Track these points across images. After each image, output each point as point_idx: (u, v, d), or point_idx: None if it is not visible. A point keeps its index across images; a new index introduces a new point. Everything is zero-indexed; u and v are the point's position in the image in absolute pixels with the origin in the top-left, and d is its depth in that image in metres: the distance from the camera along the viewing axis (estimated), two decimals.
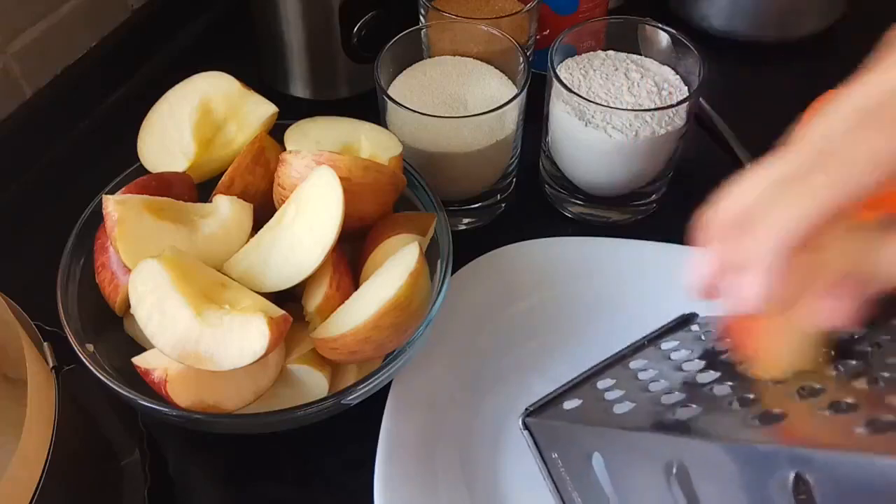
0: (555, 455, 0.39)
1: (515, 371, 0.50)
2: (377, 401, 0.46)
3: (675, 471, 0.32)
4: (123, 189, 0.48)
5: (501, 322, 0.52)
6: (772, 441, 0.29)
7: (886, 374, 0.30)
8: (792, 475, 0.27)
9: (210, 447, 0.49)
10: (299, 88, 0.68)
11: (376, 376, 0.44)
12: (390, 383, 0.47)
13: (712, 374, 0.35)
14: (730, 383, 0.34)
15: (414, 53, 0.59)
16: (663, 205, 0.60)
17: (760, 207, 0.28)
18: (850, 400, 0.29)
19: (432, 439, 0.47)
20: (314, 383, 0.45)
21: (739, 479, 0.30)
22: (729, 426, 0.32)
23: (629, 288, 0.53)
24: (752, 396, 0.32)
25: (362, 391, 0.44)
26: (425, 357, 0.48)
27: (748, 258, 0.28)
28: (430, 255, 0.49)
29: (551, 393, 0.41)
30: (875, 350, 0.31)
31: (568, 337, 0.51)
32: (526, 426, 0.40)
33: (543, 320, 0.53)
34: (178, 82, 0.53)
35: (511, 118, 0.54)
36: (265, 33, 0.66)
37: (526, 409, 0.40)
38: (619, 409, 0.37)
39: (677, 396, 0.35)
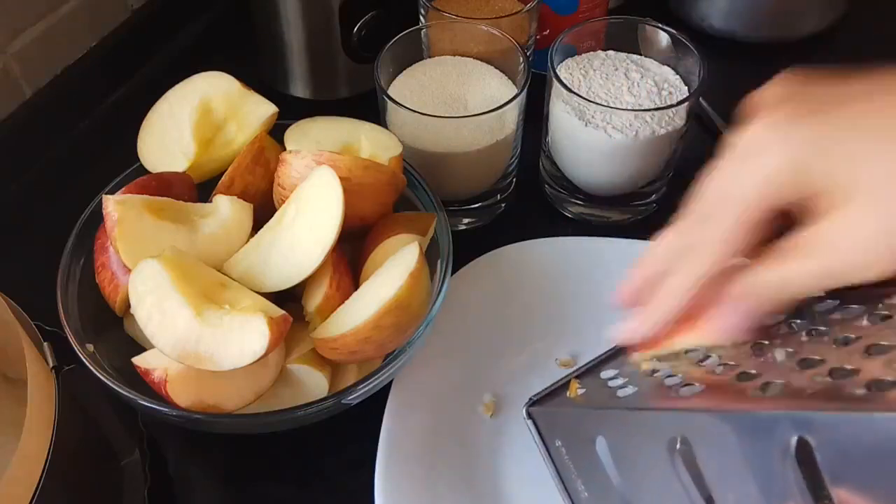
0: (558, 443, 0.40)
1: (515, 371, 0.50)
2: (377, 401, 0.46)
3: (678, 447, 0.33)
4: (123, 189, 0.48)
5: (501, 322, 0.52)
6: (773, 407, 0.30)
7: (885, 343, 0.30)
8: (794, 439, 0.28)
9: (210, 447, 0.49)
10: (299, 88, 0.68)
11: (376, 376, 0.44)
12: (390, 383, 0.47)
13: (715, 359, 0.36)
14: (731, 362, 0.34)
15: (414, 53, 0.59)
16: (663, 205, 0.60)
17: (663, 272, 0.36)
18: (850, 367, 0.29)
19: (432, 439, 0.47)
20: (314, 383, 0.45)
21: (741, 448, 0.30)
22: (731, 399, 0.32)
23: None
24: (753, 372, 0.33)
25: (362, 391, 0.44)
26: (425, 357, 0.48)
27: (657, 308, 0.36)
28: (430, 255, 0.49)
29: (555, 383, 0.41)
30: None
31: (568, 337, 0.51)
32: (530, 415, 0.40)
33: (543, 320, 0.53)
34: (178, 82, 0.53)
35: (511, 118, 0.54)
36: (265, 33, 0.66)
37: (530, 399, 0.41)
38: (623, 392, 0.38)
39: (679, 378, 0.35)
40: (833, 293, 0.35)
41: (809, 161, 0.31)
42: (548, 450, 0.40)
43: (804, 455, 0.28)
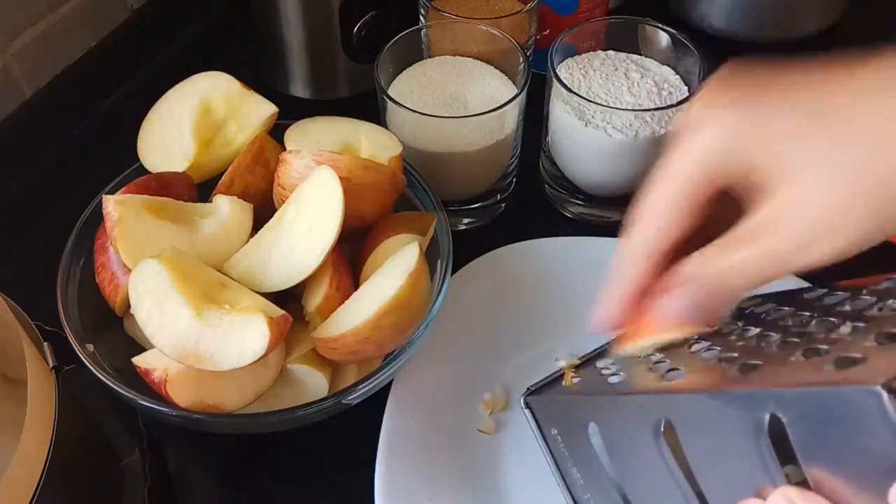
0: (554, 431, 0.40)
1: (515, 371, 0.50)
2: (377, 401, 0.46)
3: (662, 429, 0.33)
4: (123, 189, 0.48)
5: (501, 322, 0.52)
6: (748, 386, 0.30)
7: (862, 325, 0.31)
8: (767, 416, 0.28)
9: (210, 447, 0.49)
10: (299, 88, 0.68)
11: (376, 376, 0.44)
12: (390, 383, 0.47)
13: (702, 344, 0.36)
14: (718, 348, 0.35)
15: (414, 53, 0.59)
16: None
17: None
18: (823, 346, 0.30)
19: (432, 439, 0.47)
20: (314, 383, 0.45)
21: (720, 426, 0.31)
22: (711, 380, 0.33)
23: None
24: (735, 355, 0.33)
25: (362, 391, 0.44)
26: (425, 357, 0.48)
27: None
28: (430, 255, 0.49)
29: (552, 374, 0.42)
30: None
31: (568, 337, 0.51)
32: (527, 404, 0.41)
33: (543, 320, 0.53)
34: (178, 82, 0.53)
35: (511, 118, 0.54)
36: (265, 33, 0.66)
37: (527, 389, 0.41)
38: (614, 379, 0.38)
39: (667, 364, 0.36)
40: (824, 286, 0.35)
41: (743, 131, 0.31)
42: (544, 438, 0.41)
43: (777, 433, 0.28)
